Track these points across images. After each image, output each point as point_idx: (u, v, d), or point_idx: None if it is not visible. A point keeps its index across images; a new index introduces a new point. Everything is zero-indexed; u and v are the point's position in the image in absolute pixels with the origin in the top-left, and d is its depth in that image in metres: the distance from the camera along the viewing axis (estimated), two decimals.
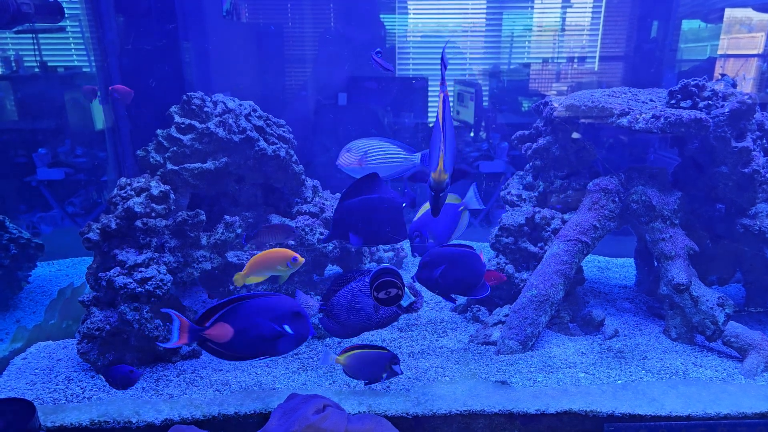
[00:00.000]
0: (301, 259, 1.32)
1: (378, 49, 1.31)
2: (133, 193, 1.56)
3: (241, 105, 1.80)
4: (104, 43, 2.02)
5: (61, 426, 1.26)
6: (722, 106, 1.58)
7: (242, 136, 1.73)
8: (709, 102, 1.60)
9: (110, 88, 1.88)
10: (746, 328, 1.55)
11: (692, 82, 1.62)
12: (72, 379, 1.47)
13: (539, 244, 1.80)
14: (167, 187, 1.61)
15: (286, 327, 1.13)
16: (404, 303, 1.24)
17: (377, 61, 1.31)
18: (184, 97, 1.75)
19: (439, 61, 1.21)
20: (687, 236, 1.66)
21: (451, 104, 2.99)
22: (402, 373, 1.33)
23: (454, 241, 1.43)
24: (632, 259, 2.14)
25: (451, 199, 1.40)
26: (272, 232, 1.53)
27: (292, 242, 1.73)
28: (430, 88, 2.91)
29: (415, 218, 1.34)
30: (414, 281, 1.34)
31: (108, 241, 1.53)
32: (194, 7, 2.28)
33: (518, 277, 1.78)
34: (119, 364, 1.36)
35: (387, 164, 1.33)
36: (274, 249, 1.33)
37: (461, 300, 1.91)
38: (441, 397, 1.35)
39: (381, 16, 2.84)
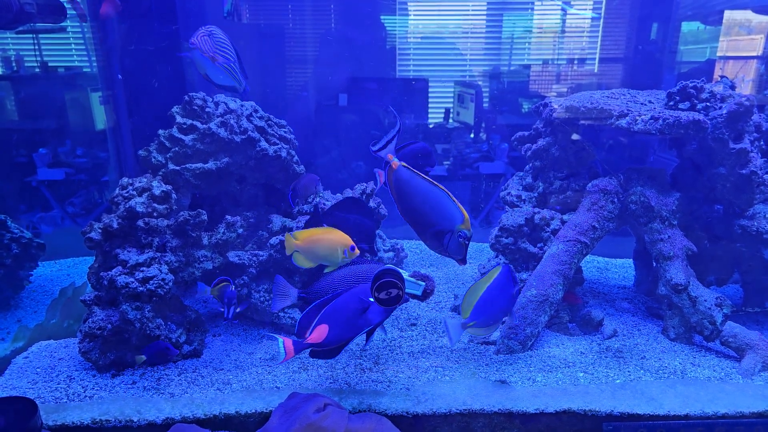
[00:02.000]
0: (357, 251, 1.22)
1: None
2: (135, 192, 1.56)
3: (242, 105, 1.81)
4: (106, 44, 2.03)
5: (63, 425, 1.27)
6: (720, 107, 1.60)
7: (244, 137, 1.74)
8: (707, 104, 1.61)
9: None
10: (744, 329, 1.56)
11: (690, 84, 1.64)
12: (73, 378, 1.47)
13: (539, 245, 1.81)
14: (169, 187, 1.61)
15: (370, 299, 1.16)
16: (418, 291, 1.24)
17: None
18: (186, 97, 1.76)
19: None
20: (685, 237, 1.67)
21: (451, 106, 3.00)
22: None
23: None
24: (631, 259, 2.15)
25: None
26: (306, 186, 1.61)
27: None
28: (430, 90, 2.92)
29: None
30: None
31: (110, 241, 1.54)
32: (195, 7, 2.29)
33: (518, 277, 1.78)
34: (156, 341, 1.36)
35: (221, 72, 1.37)
36: (334, 232, 1.21)
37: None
38: (441, 396, 1.36)
39: (381, 17, 2.85)
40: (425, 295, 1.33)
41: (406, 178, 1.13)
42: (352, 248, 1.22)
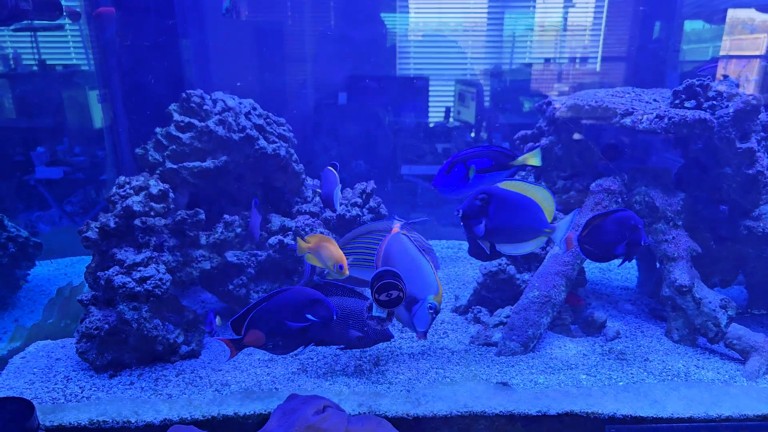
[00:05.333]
0: (346, 272, 1.25)
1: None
2: (132, 191, 1.54)
3: (240, 103, 1.79)
4: (102, 40, 2.00)
5: (60, 425, 1.25)
6: (727, 106, 1.57)
7: (242, 135, 1.72)
8: (714, 102, 1.59)
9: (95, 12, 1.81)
10: (749, 331, 1.54)
11: (697, 82, 1.61)
12: (71, 379, 1.46)
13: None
14: (166, 186, 1.59)
15: (309, 316, 1.15)
16: (383, 314, 1.23)
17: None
18: (184, 94, 1.74)
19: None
20: (690, 238, 1.65)
21: (451, 105, 2.97)
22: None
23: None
24: (634, 260, 2.13)
25: (534, 195, 1.16)
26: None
27: (293, 242, 1.72)
28: (430, 88, 2.89)
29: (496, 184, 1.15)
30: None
31: (107, 240, 1.52)
32: (193, 4, 2.26)
33: (520, 278, 1.77)
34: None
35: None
36: (336, 247, 1.25)
37: (462, 301, 1.90)
38: (442, 399, 1.35)
39: (382, 14, 2.82)
40: (381, 321, 1.32)
41: (397, 245, 1.14)
42: (341, 267, 1.24)
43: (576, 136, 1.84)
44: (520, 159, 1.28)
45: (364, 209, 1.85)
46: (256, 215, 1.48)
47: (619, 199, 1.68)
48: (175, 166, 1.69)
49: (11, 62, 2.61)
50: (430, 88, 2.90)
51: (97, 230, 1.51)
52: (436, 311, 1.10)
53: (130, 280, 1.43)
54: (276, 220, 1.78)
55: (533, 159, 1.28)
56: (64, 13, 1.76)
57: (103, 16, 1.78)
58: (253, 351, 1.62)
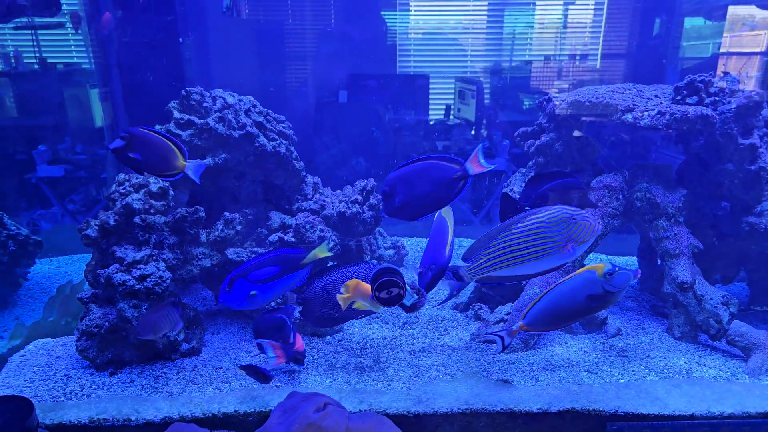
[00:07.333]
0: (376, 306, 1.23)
1: None
2: (131, 189, 1.54)
3: (240, 100, 1.79)
4: (102, 39, 2.00)
5: (60, 423, 1.25)
6: (729, 102, 1.57)
7: (242, 132, 1.72)
8: (716, 98, 1.58)
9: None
10: (751, 327, 1.53)
11: (699, 78, 1.61)
12: (71, 377, 1.46)
13: None
14: (166, 184, 1.59)
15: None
16: (408, 302, 1.23)
17: None
18: (183, 92, 1.74)
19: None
20: (691, 234, 1.65)
21: (452, 102, 2.97)
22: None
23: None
24: (635, 257, 2.12)
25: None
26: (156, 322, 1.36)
27: (293, 239, 1.71)
28: (430, 86, 2.89)
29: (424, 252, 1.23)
30: (418, 280, 1.32)
31: (106, 238, 1.52)
32: (193, 1, 2.26)
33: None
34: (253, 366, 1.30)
35: None
36: (362, 284, 1.23)
37: (463, 298, 1.90)
38: (442, 396, 1.34)
39: (382, 12, 2.82)
40: (412, 308, 1.31)
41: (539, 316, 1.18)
42: (372, 297, 1.21)
43: (576, 133, 1.84)
44: (310, 255, 1.25)
45: (364, 206, 1.84)
46: (171, 310, 1.41)
47: (620, 196, 1.68)
48: None
49: (12, 61, 2.61)
50: (431, 86, 2.89)
51: (96, 228, 1.51)
52: (613, 271, 1.12)
53: (129, 277, 1.43)
54: (276, 218, 1.77)
55: (322, 252, 1.24)
56: (66, 14, 1.76)
57: (105, 21, 1.78)
58: (254, 348, 1.62)
